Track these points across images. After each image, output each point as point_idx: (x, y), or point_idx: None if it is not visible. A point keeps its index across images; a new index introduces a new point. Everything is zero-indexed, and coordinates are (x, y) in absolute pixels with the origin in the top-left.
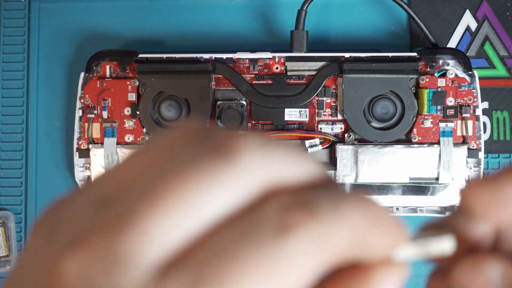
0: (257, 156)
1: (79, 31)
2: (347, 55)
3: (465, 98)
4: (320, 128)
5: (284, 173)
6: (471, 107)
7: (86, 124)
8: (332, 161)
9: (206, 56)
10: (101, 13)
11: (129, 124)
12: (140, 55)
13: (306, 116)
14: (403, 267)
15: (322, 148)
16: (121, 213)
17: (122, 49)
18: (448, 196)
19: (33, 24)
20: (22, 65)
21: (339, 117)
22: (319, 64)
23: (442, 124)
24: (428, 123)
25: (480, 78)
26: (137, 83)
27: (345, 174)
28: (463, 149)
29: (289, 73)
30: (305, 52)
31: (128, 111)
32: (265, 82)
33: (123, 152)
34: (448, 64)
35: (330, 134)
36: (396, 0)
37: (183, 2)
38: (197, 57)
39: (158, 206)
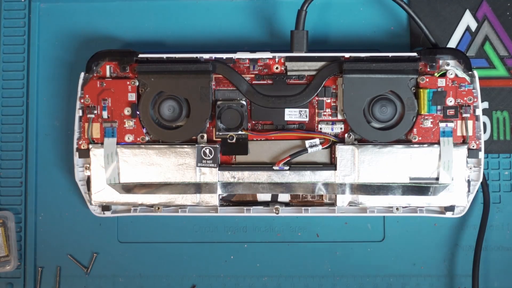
0: None
1: (79, 31)
2: (347, 55)
3: (465, 98)
4: (320, 128)
5: None
6: (471, 107)
7: (86, 124)
8: (332, 161)
9: (206, 56)
10: (101, 13)
11: (129, 124)
12: (140, 55)
13: (306, 116)
14: None
15: (322, 148)
16: None
17: (122, 49)
18: (448, 196)
19: (33, 24)
20: (22, 65)
21: (339, 117)
22: (319, 64)
23: (442, 124)
24: (428, 123)
25: (480, 78)
26: (137, 83)
27: (345, 174)
28: (463, 149)
29: (289, 73)
30: (305, 52)
31: (128, 111)
32: (265, 82)
33: (123, 152)
34: (448, 64)
35: (330, 134)
36: (396, 0)
37: (183, 2)
38: (197, 57)
39: None
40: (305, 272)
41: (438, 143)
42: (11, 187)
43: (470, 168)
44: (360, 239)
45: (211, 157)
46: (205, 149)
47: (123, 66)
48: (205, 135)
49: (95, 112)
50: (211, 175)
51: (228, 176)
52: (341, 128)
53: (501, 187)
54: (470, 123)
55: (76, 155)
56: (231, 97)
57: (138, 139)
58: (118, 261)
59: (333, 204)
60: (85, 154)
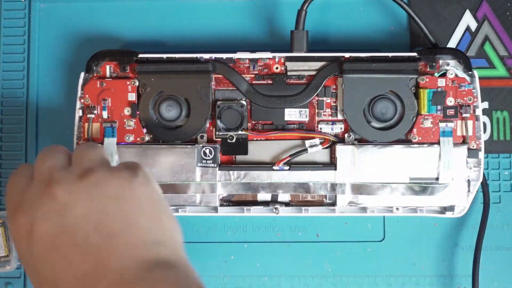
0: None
1: (79, 31)
2: (347, 55)
3: (465, 98)
4: (320, 128)
5: None
6: (471, 107)
7: (86, 124)
8: (332, 161)
9: (206, 56)
10: (101, 13)
11: (129, 124)
12: (140, 55)
13: (306, 116)
14: None
15: (322, 148)
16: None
17: (122, 49)
18: (448, 196)
19: (33, 24)
20: (22, 65)
21: (339, 117)
22: (319, 64)
23: (442, 124)
24: (428, 123)
25: (480, 78)
26: (137, 83)
27: (345, 174)
28: (463, 149)
29: (289, 73)
30: (305, 52)
31: (128, 111)
32: (265, 82)
33: (123, 152)
34: (448, 64)
35: (330, 134)
36: (396, 0)
37: (183, 2)
38: (197, 57)
39: None
40: (305, 272)
41: (438, 143)
42: None
43: (470, 168)
44: (360, 239)
45: (211, 157)
46: (205, 149)
47: (123, 66)
48: (205, 135)
49: (95, 112)
50: (211, 175)
51: (228, 176)
52: (341, 128)
53: (501, 187)
54: (470, 123)
55: None
56: (231, 97)
57: (138, 139)
58: None
59: (333, 204)
60: None
